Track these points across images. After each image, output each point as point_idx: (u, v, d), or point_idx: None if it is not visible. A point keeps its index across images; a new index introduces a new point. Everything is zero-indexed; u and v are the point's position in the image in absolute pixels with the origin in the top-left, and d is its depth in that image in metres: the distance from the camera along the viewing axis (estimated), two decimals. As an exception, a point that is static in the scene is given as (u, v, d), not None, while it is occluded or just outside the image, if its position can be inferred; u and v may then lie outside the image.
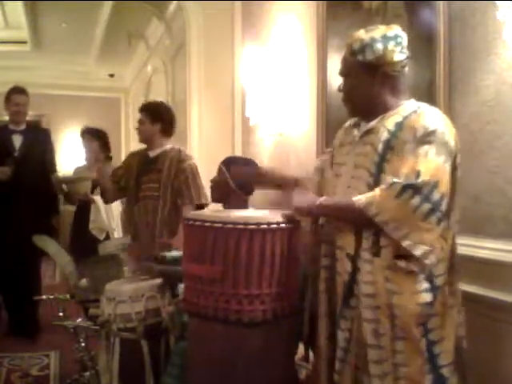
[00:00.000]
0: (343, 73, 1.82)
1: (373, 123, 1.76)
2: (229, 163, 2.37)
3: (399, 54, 1.72)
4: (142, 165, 3.28)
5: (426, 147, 1.61)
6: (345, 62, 1.80)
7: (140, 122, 3.28)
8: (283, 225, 1.84)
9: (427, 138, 1.61)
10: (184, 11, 5.07)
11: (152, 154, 3.28)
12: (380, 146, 1.70)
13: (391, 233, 1.59)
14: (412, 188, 1.57)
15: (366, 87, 1.76)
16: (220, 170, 2.38)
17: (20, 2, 6.67)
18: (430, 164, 1.59)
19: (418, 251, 1.57)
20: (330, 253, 1.82)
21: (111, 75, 9.78)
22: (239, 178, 2.25)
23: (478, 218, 2.02)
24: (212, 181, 2.43)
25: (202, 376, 1.90)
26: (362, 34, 1.74)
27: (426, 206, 1.56)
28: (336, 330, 1.78)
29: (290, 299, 1.89)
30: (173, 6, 5.79)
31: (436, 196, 1.57)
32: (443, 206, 1.59)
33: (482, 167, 2.02)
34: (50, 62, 9.07)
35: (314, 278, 1.99)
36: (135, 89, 9.71)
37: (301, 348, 2.15)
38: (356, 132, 1.84)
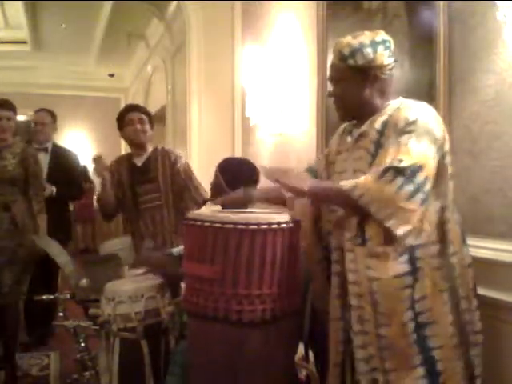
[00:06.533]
0: (334, 78, 1.86)
1: (364, 128, 1.81)
2: (224, 166, 2.36)
3: (388, 57, 1.78)
4: (132, 174, 3.15)
5: (406, 136, 1.65)
6: (334, 67, 1.84)
7: (143, 121, 3.10)
8: (284, 225, 1.84)
9: (407, 127, 1.66)
10: (184, 11, 5.08)
11: (139, 161, 3.15)
12: (372, 147, 1.76)
13: (375, 214, 1.63)
14: (393, 170, 1.61)
15: (357, 91, 1.80)
16: (215, 174, 2.38)
17: (20, 2, 6.68)
18: (411, 152, 1.63)
19: (400, 231, 1.61)
20: (341, 259, 1.83)
21: (111, 75, 9.80)
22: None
23: (478, 218, 2.02)
24: (211, 184, 2.43)
25: (203, 376, 1.90)
26: (350, 40, 1.78)
27: (410, 187, 1.60)
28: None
29: (290, 299, 1.89)
30: (173, 6, 5.79)
31: (420, 178, 1.61)
32: (426, 188, 1.62)
33: (482, 167, 2.02)
34: (50, 62, 9.09)
35: (314, 279, 2.01)
36: (135, 89, 9.72)
37: (301, 348, 2.15)
38: (349, 138, 1.88)
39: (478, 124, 2.04)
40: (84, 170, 8.07)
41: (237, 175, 2.32)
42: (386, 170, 1.62)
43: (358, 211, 1.69)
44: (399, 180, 1.60)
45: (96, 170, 3.22)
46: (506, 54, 1.90)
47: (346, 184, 1.69)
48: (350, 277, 1.71)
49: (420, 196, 1.61)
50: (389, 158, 1.64)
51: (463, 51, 2.11)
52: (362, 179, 1.67)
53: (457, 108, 2.14)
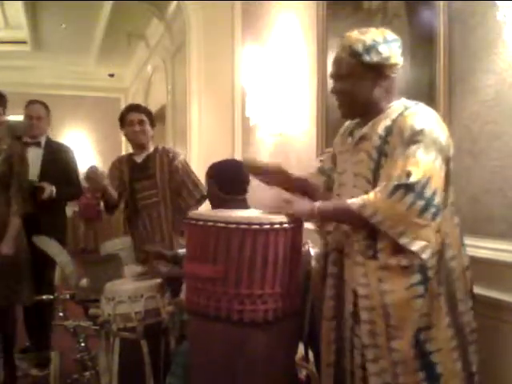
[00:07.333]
0: (341, 74, 1.79)
1: (365, 130, 1.78)
2: (213, 172, 2.36)
3: (400, 56, 1.75)
4: (132, 171, 3.20)
5: (414, 147, 1.62)
6: (342, 63, 1.77)
7: (142, 122, 3.16)
8: (286, 225, 1.84)
9: (415, 137, 1.63)
10: (184, 11, 5.08)
11: (138, 158, 3.22)
12: (374, 153, 1.72)
13: (388, 231, 1.61)
14: (404, 187, 1.59)
15: (366, 89, 1.75)
16: (206, 183, 2.38)
17: (20, 2, 6.68)
18: (420, 163, 1.60)
19: (415, 247, 1.58)
20: (338, 260, 1.82)
21: (111, 75, 9.79)
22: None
23: (478, 218, 2.02)
24: (207, 193, 2.43)
25: (203, 376, 1.90)
26: (361, 36, 1.73)
27: (420, 203, 1.58)
28: (345, 334, 1.79)
29: (291, 299, 1.89)
30: (173, 6, 5.79)
31: (428, 192, 1.59)
32: (436, 201, 1.60)
33: (482, 167, 2.02)
34: (50, 62, 9.08)
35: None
36: (135, 89, 9.71)
37: (301, 348, 2.15)
38: (350, 140, 1.85)
39: (478, 124, 2.04)
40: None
41: (226, 177, 2.32)
42: (397, 187, 1.59)
43: (368, 226, 1.66)
44: (410, 197, 1.58)
45: (92, 185, 3.01)
46: (506, 54, 1.90)
47: (354, 202, 1.66)
48: (361, 290, 1.68)
49: (431, 210, 1.59)
50: (397, 172, 1.61)
51: (463, 51, 2.11)
52: (372, 196, 1.63)
53: (457, 108, 2.14)
